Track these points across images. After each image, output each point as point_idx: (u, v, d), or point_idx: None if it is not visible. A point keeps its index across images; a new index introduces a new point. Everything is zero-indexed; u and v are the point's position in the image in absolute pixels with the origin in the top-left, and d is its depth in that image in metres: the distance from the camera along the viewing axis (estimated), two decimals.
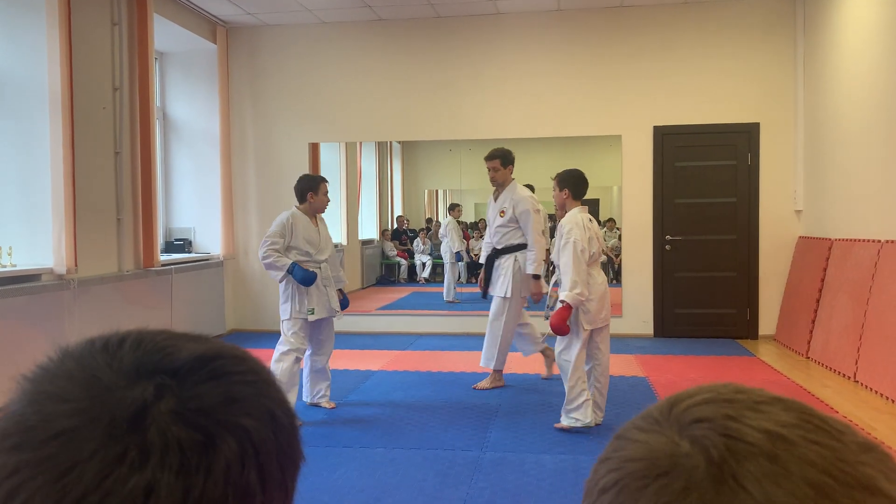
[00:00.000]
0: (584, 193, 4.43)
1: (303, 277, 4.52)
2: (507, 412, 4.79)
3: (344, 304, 4.93)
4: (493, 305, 5.38)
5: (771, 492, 0.40)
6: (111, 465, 0.43)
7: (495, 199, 5.44)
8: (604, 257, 11.37)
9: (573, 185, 4.37)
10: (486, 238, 5.56)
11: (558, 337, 4.22)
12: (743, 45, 7.31)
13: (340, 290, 4.92)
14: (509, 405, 4.96)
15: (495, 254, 5.39)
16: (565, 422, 4.31)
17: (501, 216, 5.34)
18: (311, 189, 4.71)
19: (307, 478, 3.60)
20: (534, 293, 5.28)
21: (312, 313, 4.64)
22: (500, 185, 5.39)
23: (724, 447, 0.42)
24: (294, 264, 4.53)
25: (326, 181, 4.86)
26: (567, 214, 4.31)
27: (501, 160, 5.33)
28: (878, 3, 5.54)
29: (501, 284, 5.30)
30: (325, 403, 4.88)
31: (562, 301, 4.09)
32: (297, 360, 4.64)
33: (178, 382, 0.47)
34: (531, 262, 5.24)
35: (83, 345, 0.51)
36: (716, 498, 0.40)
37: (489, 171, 5.38)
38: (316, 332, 4.77)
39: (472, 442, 4.18)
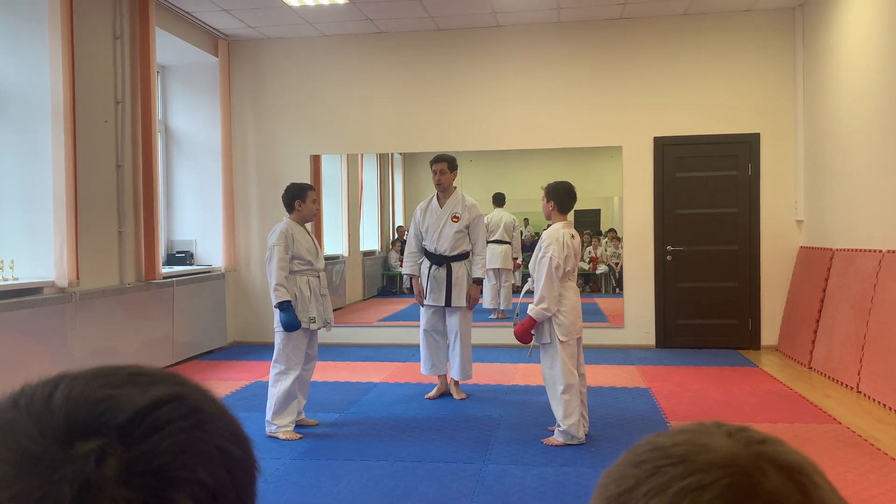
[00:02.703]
0: (571, 207, 4.51)
1: (286, 322, 4.43)
2: (509, 424, 4.78)
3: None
4: (461, 316, 5.40)
5: None
6: None
7: (440, 205, 5.41)
8: (605, 267, 11.40)
9: (560, 198, 4.42)
10: (430, 246, 5.40)
11: (542, 354, 4.35)
12: (743, 56, 7.34)
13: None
14: (511, 418, 4.95)
15: (444, 261, 5.35)
16: (559, 438, 4.29)
17: (455, 221, 5.33)
18: (297, 197, 4.63)
19: (309, 492, 3.60)
20: (473, 297, 5.41)
21: (314, 322, 4.60)
22: (444, 189, 5.40)
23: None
24: (289, 303, 4.45)
25: (313, 189, 4.76)
26: (550, 228, 4.41)
27: (449, 164, 5.38)
28: (877, 14, 5.56)
29: (462, 294, 5.35)
30: (308, 422, 4.77)
31: (529, 313, 4.27)
32: (295, 377, 4.53)
33: (121, 441, 0.44)
34: (480, 267, 5.38)
35: (6, 404, 0.47)
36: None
37: (435, 173, 5.37)
38: (311, 343, 4.73)
39: (475, 454, 4.16)
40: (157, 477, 0.44)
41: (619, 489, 0.48)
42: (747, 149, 7.39)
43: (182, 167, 7.89)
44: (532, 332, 4.29)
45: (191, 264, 7.68)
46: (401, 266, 6.21)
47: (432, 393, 5.49)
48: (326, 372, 6.39)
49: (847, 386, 5.56)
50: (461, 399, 5.42)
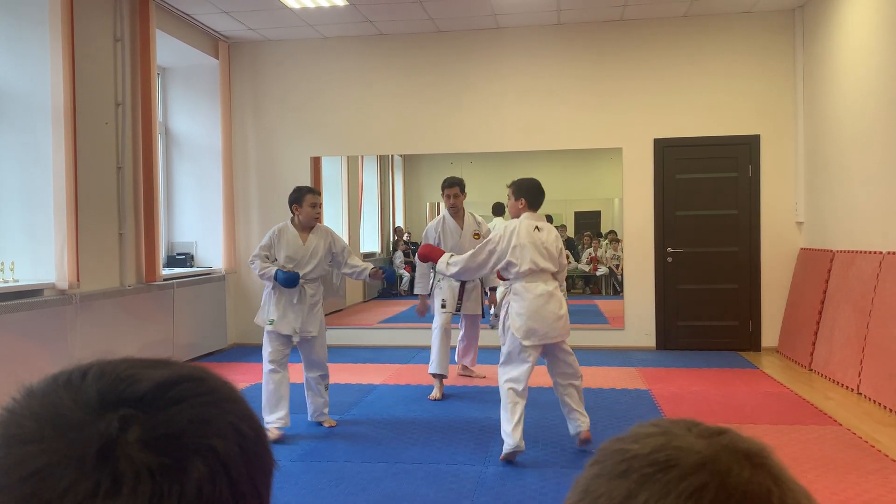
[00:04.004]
0: (541, 204, 4.26)
1: (284, 278, 4.48)
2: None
3: (390, 275, 4.86)
4: (476, 322, 6.02)
5: None
6: (85, 500, 0.45)
7: (459, 225, 5.73)
8: (605, 269, 11.40)
9: (530, 194, 4.20)
10: None
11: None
12: (743, 58, 7.34)
13: (376, 269, 4.77)
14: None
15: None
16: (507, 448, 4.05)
17: (476, 238, 5.61)
18: (295, 202, 4.64)
19: (309, 494, 3.60)
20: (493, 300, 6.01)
21: (271, 324, 4.58)
22: (457, 211, 5.74)
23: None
24: (278, 270, 4.53)
25: (313, 192, 4.71)
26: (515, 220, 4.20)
27: (461, 187, 5.73)
28: (877, 15, 5.56)
29: (478, 303, 5.90)
30: (325, 422, 4.82)
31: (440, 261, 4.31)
32: (279, 376, 4.57)
33: (143, 411, 0.49)
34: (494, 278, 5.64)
35: (46, 382, 0.52)
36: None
37: (449, 197, 5.68)
38: (306, 350, 4.73)
39: (475, 456, 4.16)
40: (173, 442, 0.48)
41: (613, 502, 0.49)
42: (747, 150, 7.39)
43: (182, 169, 7.90)
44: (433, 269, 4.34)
45: (191, 266, 7.68)
46: (407, 270, 6.39)
47: (437, 394, 5.56)
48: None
49: (847, 387, 5.56)
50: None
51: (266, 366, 4.61)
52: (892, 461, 3.96)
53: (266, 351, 4.63)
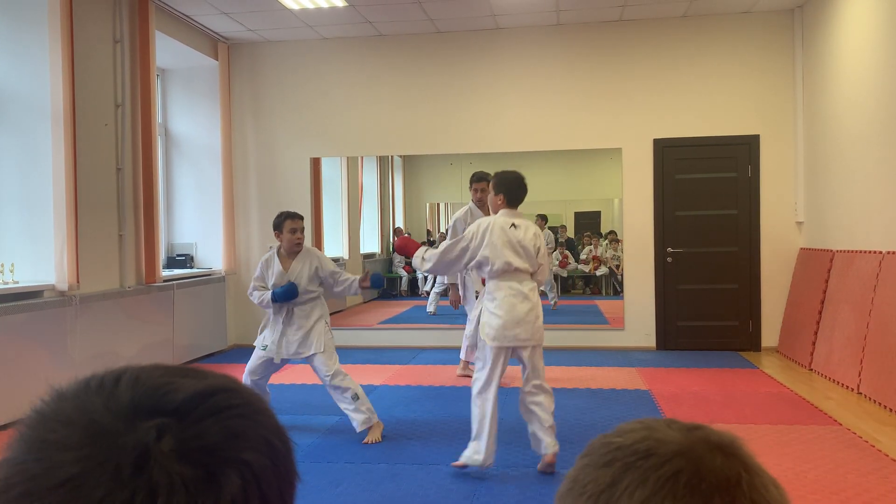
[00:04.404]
0: (521, 200, 4.00)
1: (281, 293, 4.46)
2: (509, 427, 4.77)
3: (376, 280, 4.70)
4: None
5: None
6: None
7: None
8: (605, 269, 11.40)
9: (510, 190, 3.97)
10: None
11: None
12: (742, 58, 7.34)
13: (363, 276, 4.66)
14: (511, 420, 4.93)
15: None
16: (463, 458, 3.88)
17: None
18: (276, 228, 4.59)
19: (309, 494, 3.59)
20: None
21: (265, 349, 4.61)
22: (484, 205, 5.68)
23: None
24: (273, 291, 4.51)
25: (293, 217, 4.59)
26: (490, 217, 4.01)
27: (488, 182, 5.62)
28: (877, 15, 5.57)
29: None
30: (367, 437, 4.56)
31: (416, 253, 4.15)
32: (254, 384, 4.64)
33: (178, 421, 0.48)
34: None
35: (77, 386, 0.52)
36: None
37: (477, 192, 5.74)
38: (312, 365, 4.66)
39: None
40: (208, 454, 0.48)
41: (599, 488, 0.53)
42: (747, 150, 7.39)
43: (182, 170, 7.90)
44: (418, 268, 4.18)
45: (191, 267, 7.69)
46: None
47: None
48: None
49: (847, 387, 5.56)
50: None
51: (245, 377, 4.65)
52: (892, 461, 3.96)
53: (249, 364, 4.70)
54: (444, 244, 4.10)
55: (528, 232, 3.91)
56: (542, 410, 3.89)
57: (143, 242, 6.49)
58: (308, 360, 4.57)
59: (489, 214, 5.68)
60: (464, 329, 6.09)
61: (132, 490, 0.45)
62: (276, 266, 4.58)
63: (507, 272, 3.86)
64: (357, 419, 4.45)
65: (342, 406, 4.51)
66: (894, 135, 5.27)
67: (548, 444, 3.85)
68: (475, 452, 3.81)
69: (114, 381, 0.51)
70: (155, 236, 6.55)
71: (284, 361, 4.64)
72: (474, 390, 3.90)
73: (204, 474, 0.47)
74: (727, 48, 7.37)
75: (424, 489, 3.68)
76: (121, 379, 0.51)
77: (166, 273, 7.02)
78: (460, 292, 5.98)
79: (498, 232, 3.85)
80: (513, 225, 3.89)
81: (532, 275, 3.93)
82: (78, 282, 5.46)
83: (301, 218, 4.66)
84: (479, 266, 3.92)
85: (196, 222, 7.89)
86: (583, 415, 5.06)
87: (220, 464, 0.48)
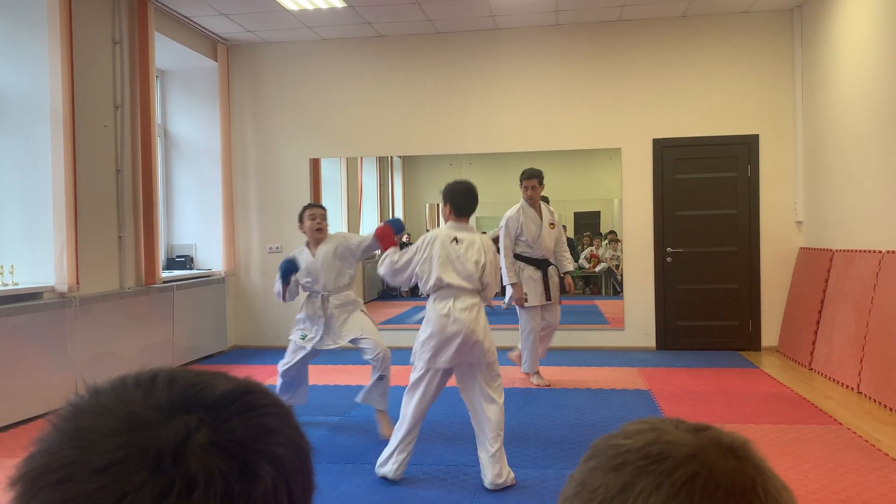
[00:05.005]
0: (471, 210, 3.76)
1: (281, 266, 4.62)
2: (511, 428, 4.77)
3: (395, 224, 4.40)
4: (558, 309, 6.00)
5: None
6: (160, 496, 0.46)
7: (538, 215, 5.81)
8: (604, 265, 11.39)
9: (455, 199, 3.72)
10: (537, 253, 5.82)
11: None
12: (741, 58, 7.35)
13: (381, 226, 4.51)
14: (512, 421, 4.94)
15: (547, 265, 5.85)
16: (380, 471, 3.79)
17: (552, 228, 5.88)
18: (299, 220, 4.81)
19: None
20: (572, 287, 6.10)
21: (303, 338, 4.67)
22: (534, 202, 5.82)
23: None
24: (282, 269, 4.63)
25: (311, 206, 4.82)
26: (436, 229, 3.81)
27: (539, 180, 5.81)
28: (875, 14, 5.57)
29: (557, 290, 5.94)
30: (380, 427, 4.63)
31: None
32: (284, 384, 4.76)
33: (213, 416, 0.50)
34: (571, 261, 6.11)
35: (115, 382, 0.53)
36: None
37: (527, 189, 5.77)
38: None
39: (475, 458, 4.14)
40: (242, 447, 0.50)
41: (610, 493, 0.52)
42: (746, 150, 7.39)
43: (182, 171, 7.90)
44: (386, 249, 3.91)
45: (191, 268, 7.69)
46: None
47: (546, 381, 5.95)
48: (327, 375, 6.39)
49: (847, 387, 5.56)
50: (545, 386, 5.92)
51: (281, 375, 4.79)
52: (893, 460, 3.96)
53: (284, 360, 4.77)
54: (402, 251, 3.81)
55: (472, 247, 3.63)
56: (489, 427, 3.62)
57: (142, 244, 6.49)
58: (355, 341, 4.64)
59: (540, 213, 5.74)
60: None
61: (171, 478, 0.46)
62: (306, 255, 4.71)
63: (441, 288, 3.62)
64: (378, 399, 4.61)
65: (373, 387, 4.57)
66: (893, 133, 5.27)
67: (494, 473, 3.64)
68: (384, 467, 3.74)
69: (150, 378, 0.53)
70: (154, 237, 6.55)
71: (317, 351, 4.71)
72: (403, 408, 3.74)
73: (239, 466, 0.48)
74: (726, 48, 7.37)
75: (425, 490, 3.68)
76: (157, 377, 0.53)
77: (166, 274, 7.02)
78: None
79: (438, 245, 3.62)
80: (455, 239, 3.63)
81: (477, 292, 3.67)
82: (78, 283, 5.46)
83: (320, 206, 4.84)
84: (418, 280, 3.70)
85: (196, 223, 7.89)
86: (582, 414, 5.05)
87: (255, 456, 0.50)
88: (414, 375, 3.75)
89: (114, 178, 6.23)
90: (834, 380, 5.81)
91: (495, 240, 5.21)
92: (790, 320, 7.08)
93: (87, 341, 5.63)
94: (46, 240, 5.43)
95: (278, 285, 4.65)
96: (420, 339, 3.71)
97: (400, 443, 3.70)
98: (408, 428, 3.70)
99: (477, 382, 3.67)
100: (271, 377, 6.43)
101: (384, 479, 3.74)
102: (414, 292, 12.12)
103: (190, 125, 7.90)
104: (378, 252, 4.35)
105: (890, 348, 5.02)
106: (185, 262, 7.69)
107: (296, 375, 4.80)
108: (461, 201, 3.72)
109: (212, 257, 7.87)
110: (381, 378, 4.53)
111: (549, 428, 4.68)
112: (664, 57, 7.45)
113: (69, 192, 5.41)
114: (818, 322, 6.35)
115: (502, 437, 3.66)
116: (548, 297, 5.79)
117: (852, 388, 5.48)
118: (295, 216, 8.30)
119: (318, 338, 4.63)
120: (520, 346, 6.05)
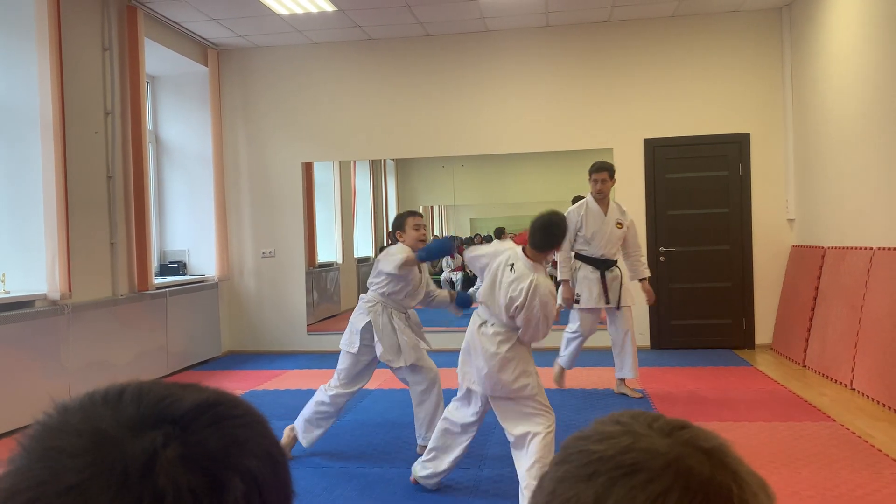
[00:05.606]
0: (544, 248, 3.42)
1: (437, 246, 4.20)
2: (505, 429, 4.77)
3: (462, 300, 4.31)
4: (625, 316, 5.50)
5: None
6: None
7: (604, 212, 5.49)
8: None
9: (533, 234, 3.41)
10: (596, 251, 5.47)
11: None
12: (731, 57, 7.37)
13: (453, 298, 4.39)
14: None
15: (609, 265, 5.48)
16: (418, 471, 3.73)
17: (619, 228, 5.49)
18: (398, 228, 4.26)
19: (304, 499, 3.58)
20: (651, 294, 5.63)
21: (381, 354, 4.23)
22: (603, 197, 5.52)
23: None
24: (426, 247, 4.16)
25: (414, 215, 4.29)
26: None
27: (609, 173, 5.50)
28: (863, 13, 5.59)
29: (627, 294, 5.52)
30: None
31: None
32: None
33: (182, 430, 0.50)
34: (647, 267, 5.67)
35: (81, 400, 0.53)
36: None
37: (596, 182, 5.47)
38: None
39: (471, 460, 4.15)
40: (212, 461, 0.49)
41: None
42: (738, 149, 7.41)
43: (173, 177, 7.89)
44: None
45: (184, 274, 7.67)
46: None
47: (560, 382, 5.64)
48: (322, 379, 6.36)
49: (841, 383, 5.58)
50: (638, 397, 5.49)
51: (329, 392, 4.25)
52: (886, 456, 3.98)
53: (338, 376, 4.28)
54: (479, 252, 3.64)
55: (516, 283, 3.31)
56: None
57: (135, 250, 6.47)
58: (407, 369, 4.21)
59: (607, 207, 5.45)
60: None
61: (139, 495, 0.45)
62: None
63: (482, 305, 3.54)
64: (422, 433, 4.26)
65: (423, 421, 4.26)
66: (884, 130, 5.29)
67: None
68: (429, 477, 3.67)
69: (118, 394, 0.52)
70: (147, 244, 6.54)
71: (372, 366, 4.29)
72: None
73: (209, 480, 0.48)
74: (716, 47, 7.40)
75: (419, 492, 3.68)
76: (124, 392, 0.52)
77: (159, 280, 7.01)
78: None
79: (496, 263, 3.46)
80: (511, 266, 3.38)
81: (512, 329, 3.42)
82: (70, 291, 5.45)
83: (421, 215, 4.38)
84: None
85: (188, 229, 7.88)
86: (578, 414, 5.06)
87: (224, 470, 0.49)
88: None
89: (105, 184, 6.22)
90: (827, 376, 5.82)
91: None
92: (783, 318, 7.11)
93: (79, 349, 5.61)
94: (38, 248, 5.41)
95: (429, 254, 4.10)
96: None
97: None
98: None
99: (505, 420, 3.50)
100: (265, 382, 6.43)
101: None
102: None
103: (181, 131, 7.89)
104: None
105: (882, 344, 5.03)
106: (178, 267, 7.68)
107: (344, 394, 4.29)
108: (537, 238, 3.37)
109: (205, 263, 7.86)
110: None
111: None
112: (654, 57, 7.48)
113: (60, 199, 5.39)
114: (811, 319, 6.37)
115: (534, 473, 3.31)
116: (607, 301, 5.41)
117: (846, 385, 5.50)
118: (288, 220, 8.29)
119: (396, 352, 4.17)
120: (560, 351, 5.69)
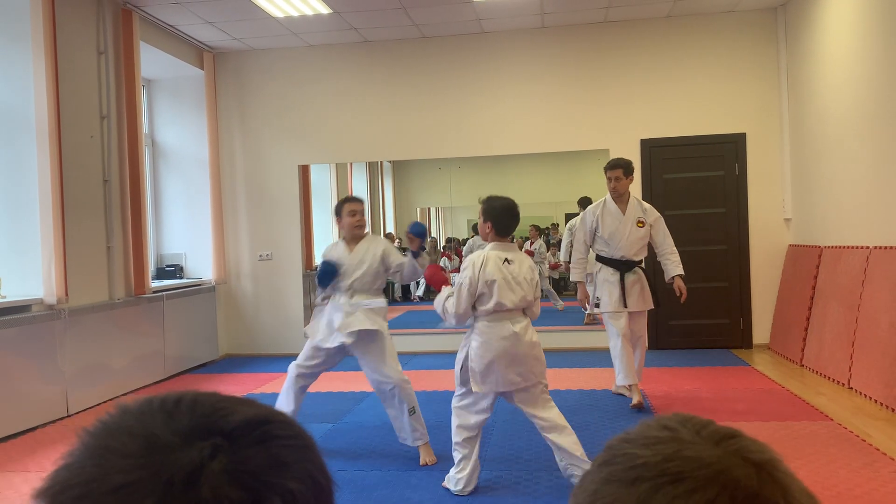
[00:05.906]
0: (513, 229, 3.68)
1: (319, 272, 4.31)
2: (503, 431, 4.78)
3: (415, 229, 4.23)
4: (642, 320, 5.37)
5: None
6: None
7: (622, 211, 5.26)
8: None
9: (498, 219, 3.61)
10: (615, 252, 5.25)
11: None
12: (727, 58, 7.38)
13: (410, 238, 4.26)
14: (504, 424, 4.94)
15: (631, 266, 5.29)
16: (451, 484, 3.71)
17: (640, 227, 5.24)
18: (336, 214, 4.38)
19: None
20: (684, 291, 5.31)
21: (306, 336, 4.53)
22: (619, 195, 5.28)
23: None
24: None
25: (351, 200, 4.37)
26: (481, 250, 3.65)
27: (624, 170, 5.23)
28: (858, 13, 5.61)
29: (647, 296, 5.33)
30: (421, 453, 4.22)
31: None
32: (298, 379, 4.43)
33: (231, 444, 0.50)
34: (678, 263, 5.32)
35: (141, 403, 0.54)
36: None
37: (611, 180, 5.25)
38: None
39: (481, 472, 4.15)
40: (256, 479, 0.49)
41: None
42: (734, 149, 7.42)
43: (170, 180, 7.88)
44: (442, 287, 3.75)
45: (181, 278, 7.66)
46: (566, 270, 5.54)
47: (639, 399, 5.11)
48: (319, 382, 6.34)
49: (838, 382, 5.58)
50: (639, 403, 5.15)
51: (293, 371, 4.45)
52: (883, 455, 3.98)
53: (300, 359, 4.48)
54: (455, 291, 3.59)
55: (523, 266, 3.58)
56: (566, 445, 3.59)
57: (131, 254, 6.46)
58: (358, 343, 4.36)
59: (626, 205, 5.22)
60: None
61: (180, 502, 0.46)
62: (341, 248, 4.33)
63: (499, 312, 3.54)
64: (413, 435, 4.31)
65: (395, 412, 4.33)
66: (879, 129, 5.30)
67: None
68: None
69: (175, 401, 0.54)
70: (143, 247, 6.53)
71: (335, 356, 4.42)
72: (455, 422, 3.68)
73: (250, 497, 0.48)
74: (711, 47, 7.41)
75: (418, 495, 3.67)
76: (181, 400, 0.54)
77: (156, 284, 7.00)
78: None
79: (492, 268, 3.50)
80: (506, 260, 3.54)
81: (524, 311, 3.63)
82: (66, 295, 5.43)
83: (359, 200, 4.42)
84: (478, 300, 3.56)
85: (185, 232, 7.87)
86: (574, 416, 5.05)
87: (266, 489, 0.49)
88: (463, 393, 3.68)
89: (101, 188, 6.21)
90: (825, 376, 5.83)
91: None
92: (781, 317, 7.11)
93: (76, 353, 5.60)
94: (34, 252, 5.40)
95: (320, 295, 4.32)
96: (473, 367, 3.56)
97: (466, 456, 3.67)
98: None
99: (529, 410, 3.66)
100: (263, 385, 6.42)
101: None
102: (406, 297, 12.10)
103: (177, 134, 7.88)
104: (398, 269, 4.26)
105: (879, 343, 5.04)
106: (175, 271, 7.66)
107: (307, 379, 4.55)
108: (505, 220, 3.61)
109: (202, 266, 7.85)
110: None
111: (540, 433, 4.66)
112: (650, 58, 7.48)
113: (56, 203, 5.38)
114: (808, 318, 6.38)
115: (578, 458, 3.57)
116: (624, 304, 5.21)
117: (843, 384, 5.51)
118: (285, 223, 8.29)
119: (322, 333, 4.32)
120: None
